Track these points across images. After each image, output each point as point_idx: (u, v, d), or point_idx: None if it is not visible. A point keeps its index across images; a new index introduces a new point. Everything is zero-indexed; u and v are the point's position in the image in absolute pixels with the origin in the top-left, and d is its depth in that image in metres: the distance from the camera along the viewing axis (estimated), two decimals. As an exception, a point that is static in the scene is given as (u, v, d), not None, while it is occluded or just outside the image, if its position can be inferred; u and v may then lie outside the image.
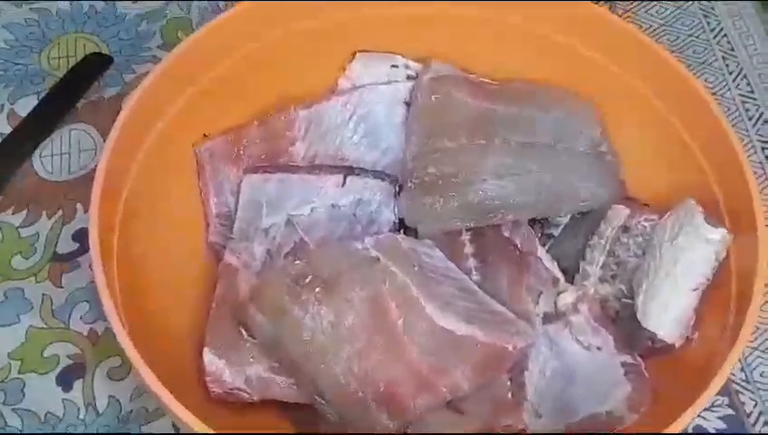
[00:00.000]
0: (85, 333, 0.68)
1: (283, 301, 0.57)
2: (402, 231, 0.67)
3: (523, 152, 0.67)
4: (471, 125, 0.68)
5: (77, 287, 0.70)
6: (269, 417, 0.61)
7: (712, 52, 0.88)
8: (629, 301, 0.63)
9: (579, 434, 0.59)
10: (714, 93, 0.84)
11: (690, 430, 0.65)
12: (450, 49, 0.72)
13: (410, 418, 0.57)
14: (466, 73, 0.71)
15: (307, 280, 0.57)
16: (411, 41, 0.72)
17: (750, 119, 0.83)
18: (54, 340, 0.68)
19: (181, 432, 0.64)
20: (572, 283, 0.65)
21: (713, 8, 0.90)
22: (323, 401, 0.57)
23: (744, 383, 0.68)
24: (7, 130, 0.78)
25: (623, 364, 0.61)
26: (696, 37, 0.89)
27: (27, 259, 0.71)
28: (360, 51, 0.72)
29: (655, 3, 0.91)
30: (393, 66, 0.72)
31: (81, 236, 0.72)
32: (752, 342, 0.70)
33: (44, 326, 0.68)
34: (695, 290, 0.60)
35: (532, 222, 0.67)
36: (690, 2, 0.91)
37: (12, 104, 0.79)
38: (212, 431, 0.49)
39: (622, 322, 0.63)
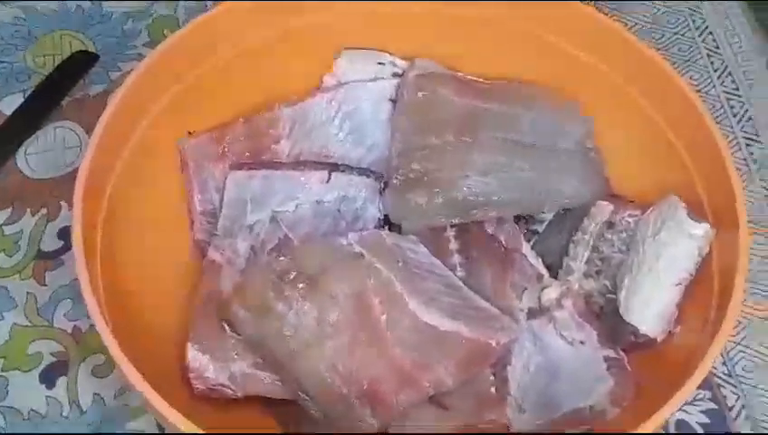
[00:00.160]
0: (69, 331, 0.68)
1: (267, 297, 0.57)
2: (387, 227, 0.67)
3: (507, 149, 0.67)
4: (456, 122, 0.68)
5: (61, 285, 0.70)
6: (253, 413, 0.61)
7: (697, 50, 0.88)
8: (613, 296, 0.63)
9: (560, 430, 0.59)
10: (698, 91, 0.84)
11: (673, 425, 0.65)
12: (437, 47, 0.72)
13: (394, 414, 0.57)
14: (452, 71, 0.71)
15: (291, 276, 0.57)
16: (398, 38, 0.72)
17: (734, 116, 0.83)
18: (38, 337, 0.68)
19: (166, 432, 0.64)
20: (557, 279, 0.65)
21: (699, 7, 0.91)
22: (307, 398, 0.57)
23: (726, 377, 0.68)
24: (-8, 127, 0.78)
25: (606, 359, 0.61)
26: (682, 35, 0.89)
27: (11, 257, 0.71)
28: (346, 48, 0.72)
29: (641, 2, 0.91)
30: (379, 63, 0.72)
31: (65, 233, 0.72)
32: (734, 336, 0.70)
33: (28, 324, 0.68)
34: (677, 285, 0.60)
35: (517, 219, 0.68)
36: (677, 0, 0.91)
37: (-3, 102, 0.79)
38: (195, 428, 0.49)
39: (606, 317, 0.63)
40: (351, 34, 0.72)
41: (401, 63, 0.72)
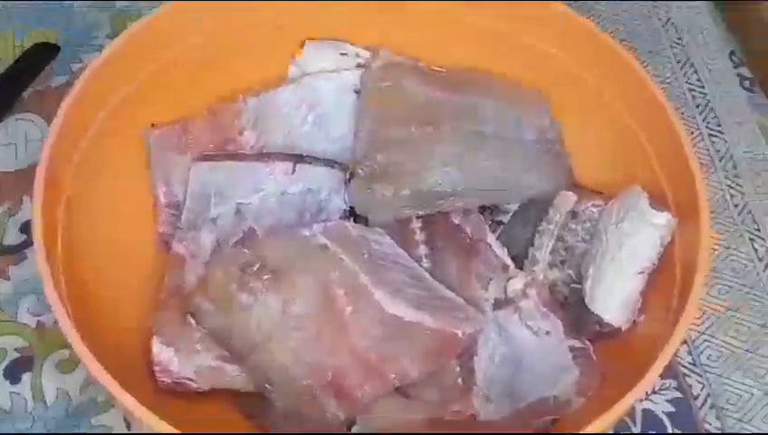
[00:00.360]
0: (33, 326, 0.67)
1: (230, 289, 0.56)
2: (352, 219, 0.67)
3: (471, 140, 0.67)
4: (420, 113, 0.68)
5: (24, 279, 0.69)
6: (219, 406, 0.61)
7: (660, 42, 0.88)
8: (578, 286, 0.63)
9: (526, 419, 0.59)
10: (662, 82, 0.84)
11: (639, 414, 0.66)
12: (401, 38, 0.72)
13: (359, 406, 0.57)
14: (415, 61, 0.71)
15: (255, 268, 0.57)
16: (360, 29, 0.72)
17: (697, 107, 0.84)
18: (2, 333, 0.67)
19: (132, 426, 0.63)
20: (522, 269, 0.65)
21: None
22: (272, 389, 0.57)
23: (691, 366, 0.69)
24: (-48, 120, 0.77)
25: (571, 349, 0.61)
26: (646, 26, 0.89)
27: (-27, 252, 0.71)
28: (308, 39, 0.72)
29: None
30: (342, 54, 0.72)
31: (28, 227, 0.72)
32: (698, 326, 0.71)
33: (-9, 319, 0.67)
34: (640, 274, 0.60)
35: (482, 209, 0.68)
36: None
37: (-43, 95, 0.78)
38: (160, 422, 0.49)
39: (571, 307, 0.64)
40: (314, 25, 0.72)
41: (364, 54, 0.72)
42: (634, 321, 0.61)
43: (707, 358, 0.70)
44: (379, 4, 0.71)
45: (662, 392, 0.67)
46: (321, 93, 0.70)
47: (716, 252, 0.74)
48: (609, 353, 0.61)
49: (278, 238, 0.60)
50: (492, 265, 0.64)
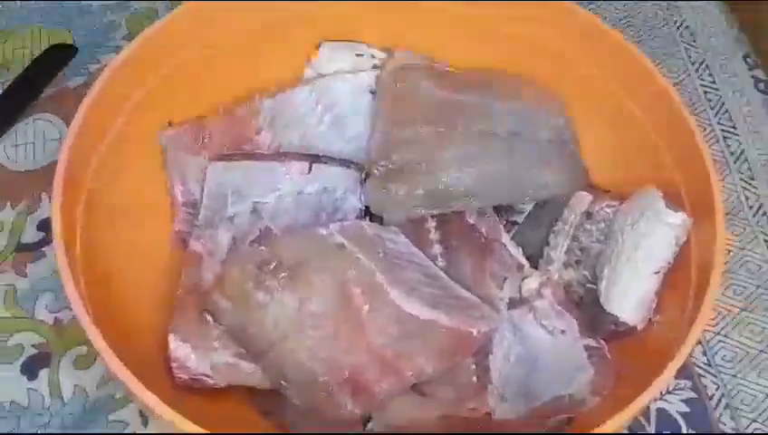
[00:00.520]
0: (50, 323, 0.68)
1: (248, 287, 0.57)
2: (368, 218, 0.67)
3: (486, 140, 0.67)
4: (435, 113, 0.68)
5: (42, 277, 0.70)
6: (235, 403, 0.61)
7: (675, 43, 0.88)
8: (593, 286, 0.63)
9: (541, 418, 0.59)
10: (676, 83, 0.84)
11: (654, 414, 0.66)
12: (416, 39, 0.72)
13: (375, 402, 0.58)
14: (431, 62, 0.71)
15: (271, 266, 0.57)
16: (376, 29, 0.72)
17: (712, 108, 0.84)
18: (19, 329, 0.67)
19: (148, 421, 0.64)
20: (537, 269, 0.65)
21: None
22: (288, 386, 0.57)
23: (705, 367, 0.69)
24: (-30, 121, 0.77)
25: (586, 348, 0.61)
26: (659, 28, 0.89)
27: (-9, 249, 0.71)
28: (325, 40, 0.72)
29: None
30: (358, 55, 0.72)
31: (45, 225, 0.72)
32: (713, 326, 0.71)
33: (8, 316, 0.68)
34: (656, 274, 0.60)
35: (497, 209, 0.68)
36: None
37: (-25, 95, 0.79)
38: (179, 416, 0.49)
39: (586, 306, 0.64)
40: (330, 26, 0.72)
41: (380, 54, 0.72)
42: (649, 320, 0.61)
43: (722, 358, 0.70)
44: (394, 5, 0.71)
45: (677, 392, 0.67)
46: (337, 94, 0.70)
47: (731, 253, 0.74)
48: (624, 353, 0.62)
49: (294, 237, 0.60)
50: (506, 265, 0.64)
